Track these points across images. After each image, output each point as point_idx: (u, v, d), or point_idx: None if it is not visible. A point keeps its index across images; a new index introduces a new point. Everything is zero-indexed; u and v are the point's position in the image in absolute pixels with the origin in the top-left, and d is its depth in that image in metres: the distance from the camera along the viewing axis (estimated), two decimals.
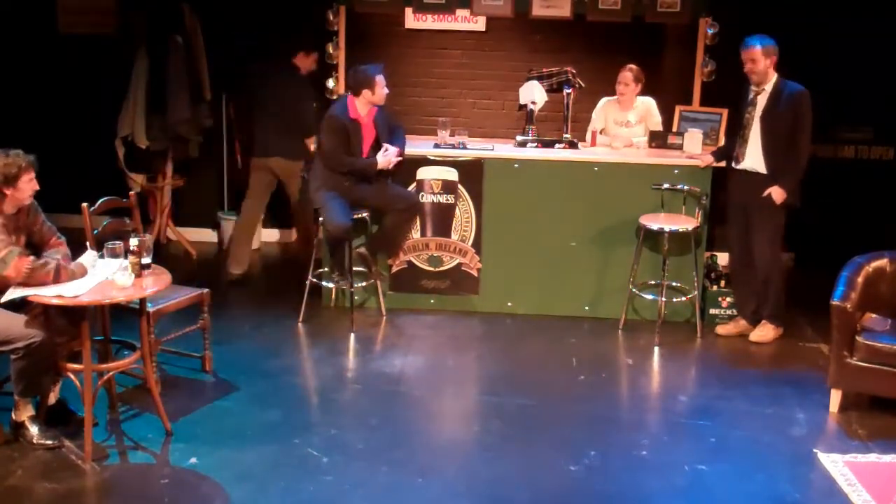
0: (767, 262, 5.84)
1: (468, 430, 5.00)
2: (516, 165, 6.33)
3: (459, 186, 6.34)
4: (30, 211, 4.43)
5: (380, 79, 5.97)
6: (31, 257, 4.17)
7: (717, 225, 6.88)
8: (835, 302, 4.97)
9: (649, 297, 6.18)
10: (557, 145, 6.48)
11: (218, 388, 5.19)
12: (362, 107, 6.02)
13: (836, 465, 4.48)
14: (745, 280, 6.01)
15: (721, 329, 6.13)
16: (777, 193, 5.68)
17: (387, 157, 6.02)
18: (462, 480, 4.30)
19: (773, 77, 5.70)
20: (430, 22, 7.77)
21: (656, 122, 6.69)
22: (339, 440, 4.63)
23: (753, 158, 5.77)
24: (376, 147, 6.11)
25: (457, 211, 6.38)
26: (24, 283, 4.17)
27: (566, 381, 5.44)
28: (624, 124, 6.70)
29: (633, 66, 6.59)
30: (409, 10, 7.53)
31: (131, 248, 4.33)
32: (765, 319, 5.99)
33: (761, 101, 5.73)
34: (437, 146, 6.41)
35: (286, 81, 6.74)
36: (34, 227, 4.47)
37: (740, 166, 5.83)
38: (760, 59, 5.65)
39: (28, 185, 4.29)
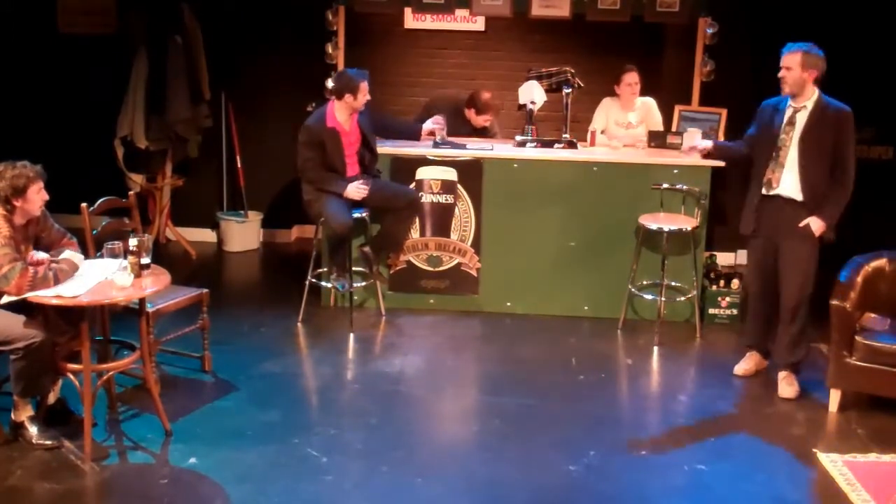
0: (797, 299, 5.15)
1: (468, 429, 4.99)
2: (515, 165, 6.33)
3: (459, 186, 6.34)
4: (39, 219, 4.43)
5: (364, 86, 5.89)
6: (32, 272, 4.17)
7: (716, 225, 6.89)
8: (834, 302, 4.98)
9: (649, 296, 6.18)
10: (557, 145, 6.48)
11: (217, 388, 5.18)
12: (342, 112, 5.95)
13: (836, 464, 4.48)
14: (766, 315, 5.38)
15: (739, 369, 5.49)
16: (816, 225, 5.04)
17: (360, 191, 5.94)
18: (462, 480, 4.30)
19: (814, 94, 5.05)
20: (429, 22, 7.79)
21: (657, 122, 6.70)
22: (339, 440, 4.63)
23: (789, 185, 5.07)
24: (365, 150, 6.09)
25: (456, 211, 6.38)
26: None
27: (566, 381, 5.44)
28: (625, 125, 6.70)
29: (633, 66, 6.60)
30: (408, 10, 7.55)
31: (130, 248, 4.33)
32: (788, 371, 5.29)
33: (800, 119, 5.05)
34: (436, 146, 6.41)
35: None
36: (43, 233, 4.48)
37: (773, 192, 5.12)
38: (796, 68, 4.99)
39: (37, 196, 4.29)
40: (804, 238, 5.07)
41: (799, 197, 5.06)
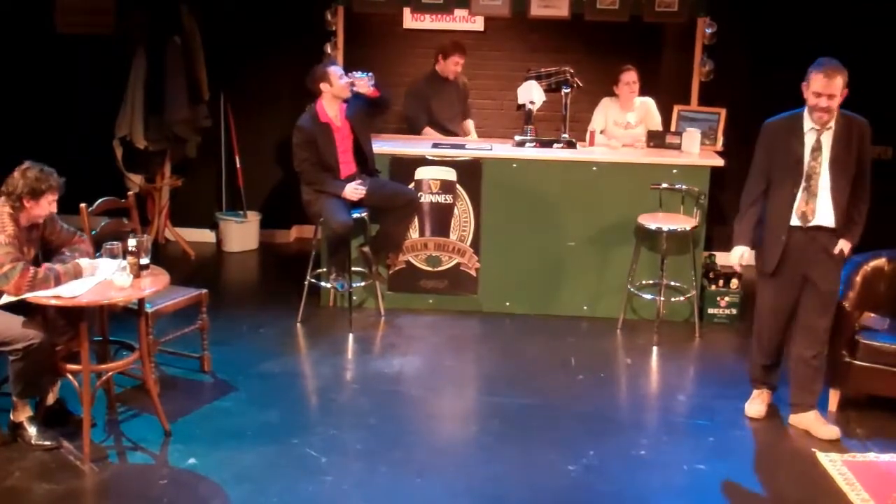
0: (827, 327, 4.79)
1: (467, 430, 4.99)
2: (515, 165, 6.32)
3: (458, 186, 6.34)
4: (46, 223, 4.43)
5: (332, 70, 5.92)
6: (32, 271, 4.16)
7: (715, 224, 6.89)
8: None
9: (648, 296, 6.18)
10: (556, 145, 6.48)
11: (216, 388, 5.18)
12: (330, 106, 5.96)
13: (835, 464, 4.48)
14: (777, 358, 5.01)
15: (753, 412, 5.00)
16: (847, 247, 4.69)
17: (357, 192, 5.94)
18: (461, 480, 4.30)
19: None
20: (428, 22, 7.79)
21: (656, 123, 6.70)
22: (338, 440, 4.63)
23: (824, 213, 4.64)
24: (358, 149, 6.08)
25: (455, 211, 6.37)
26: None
27: (565, 381, 5.44)
28: (624, 125, 6.70)
29: (631, 66, 6.60)
30: (407, 11, 7.55)
31: (129, 248, 4.33)
32: (813, 408, 4.85)
33: (826, 141, 4.60)
34: (435, 146, 6.41)
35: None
36: (52, 236, 4.48)
37: (810, 224, 4.66)
38: (839, 95, 4.49)
39: (48, 205, 4.30)
40: (836, 263, 4.73)
41: (832, 224, 4.65)
